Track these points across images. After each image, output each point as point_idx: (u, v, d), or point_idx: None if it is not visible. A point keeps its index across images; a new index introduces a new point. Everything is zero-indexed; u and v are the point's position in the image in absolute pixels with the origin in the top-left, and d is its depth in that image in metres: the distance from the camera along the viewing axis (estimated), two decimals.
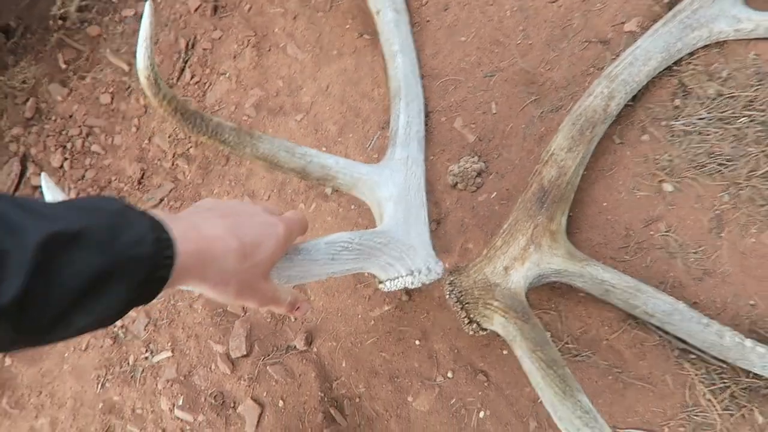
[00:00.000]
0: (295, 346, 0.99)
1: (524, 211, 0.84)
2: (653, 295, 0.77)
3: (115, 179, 1.25)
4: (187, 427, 1.00)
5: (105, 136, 1.30)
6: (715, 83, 0.87)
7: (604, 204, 0.87)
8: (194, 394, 1.02)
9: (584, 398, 0.69)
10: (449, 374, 0.88)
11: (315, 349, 0.98)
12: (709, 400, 0.74)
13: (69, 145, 1.31)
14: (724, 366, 0.75)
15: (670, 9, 0.91)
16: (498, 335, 0.80)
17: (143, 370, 1.07)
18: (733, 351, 0.72)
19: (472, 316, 0.82)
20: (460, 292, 0.83)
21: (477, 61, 1.04)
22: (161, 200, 1.19)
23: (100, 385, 1.09)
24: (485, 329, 0.82)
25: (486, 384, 0.86)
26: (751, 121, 0.83)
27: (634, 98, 0.89)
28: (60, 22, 1.45)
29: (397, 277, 0.84)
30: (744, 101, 0.84)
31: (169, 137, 1.23)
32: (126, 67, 1.34)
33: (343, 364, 0.95)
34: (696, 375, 0.76)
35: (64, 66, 1.40)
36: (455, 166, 0.98)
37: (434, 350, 0.90)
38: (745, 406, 0.72)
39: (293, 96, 1.16)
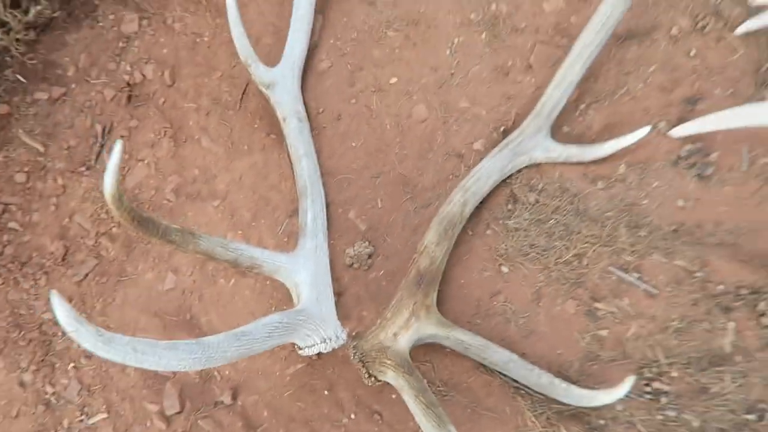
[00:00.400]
0: (222, 401, 1.20)
1: (407, 291, 1.14)
2: (496, 350, 1.09)
3: (37, 255, 1.36)
4: None
5: (22, 213, 1.40)
6: (534, 194, 1.24)
7: (462, 282, 1.20)
8: None
9: (452, 428, 0.99)
10: (352, 416, 1.15)
11: (240, 403, 1.20)
12: (533, 421, 1.08)
13: None
14: (543, 397, 1.10)
15: (504, 137, 1.27)
16: (389, 384, 1.08)
17: None
18: (548, 387, 1.07)
19: (371, 371, 1.09)
20: (361, 353, 1.10)
21: (365, 165, 1.33)
22: (86, 275, 1.33)
23: None
24: (380, 381, 1.10)
25: (380, 422, 1.14)
26: (556, 222, 1.20)
27: (481, 203, 1.23)
28: None
29: (314, 345, 1.10)
30: (552, 207, 1.21)
31: (90, 216, 1.38)
32: (41, 148, 1.45)
33: (265, 414, 1.18)
34: (525, 405, 1.10)
35: None
36: (351, 250, 1.26)
37: (339, 398, 1.17)
38: (555, 425, 1.07)
39: (209, 184, 1.37)
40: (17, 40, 1.53)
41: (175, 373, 1.23)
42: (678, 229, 1.16)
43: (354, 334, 1.16)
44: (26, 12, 1.54)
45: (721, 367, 1.05)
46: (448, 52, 1.39)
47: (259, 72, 1.34)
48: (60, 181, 1.42)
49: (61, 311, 0.82)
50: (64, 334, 1.29)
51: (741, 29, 1.26)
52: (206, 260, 1.30)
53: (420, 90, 1.37)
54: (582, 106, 1.29)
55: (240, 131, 1.40)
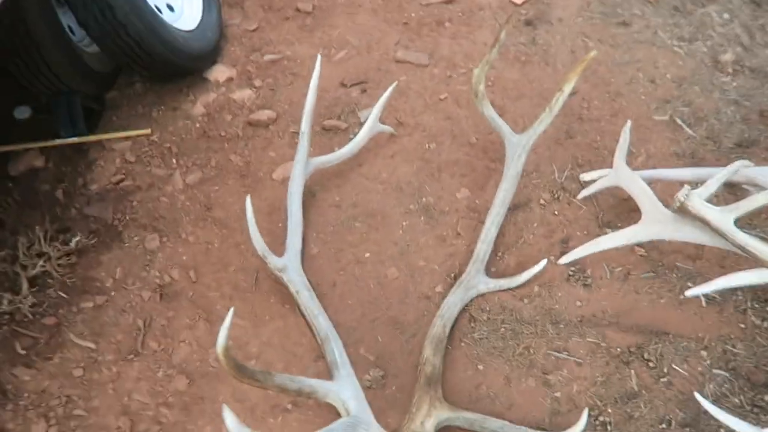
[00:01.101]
0: None
1: (422, 391, 1.58)
2: (492, 421, 1.53)
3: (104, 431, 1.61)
4: None
5: (84, 401, 1.66)
6: (485, 313, 1.79)
7: (455, 380, 1.67)
8: None
9: None
10: None
11: None
12: None
13: (51, 414, 1.63)
14: None
15: (455, 280, 1.84)
16: None
17: None
18: None
19: None
20: None
21: (362, 314, 1.81)
22: None
23: None
24: None
25: None
26: (506, 329, 1.75)
27: (452, 326, 1.75)
28: (7, 316, 1.82)
29: None
30: (500, 320, 1.77)
31: (147, 392, 1.68)
32: (92, 345, 1.76)
33: None
34: None
35: (23, 352, 1.75)
36: (367, 375, 1.69)
37: None
38: None
39: (243, 349, 1.76)
40: (59, 265, 1.90)
41: None
42: (582, 320, 1.75)
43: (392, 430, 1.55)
44: (66, 243, 1.94)
45: (635, 399, 1.59)
46: (401, 231, 2.00)
47: (273, 261, 1.83)
48: (114, 369, 1.72)
49: (230, 420, 1.19)
50: None
51: (580, 196, 2.02)
52: (255, 406, 1.65)
53: (388, 258, 1.93)
54: (500, 254, 1.92)
55: (260, 307, 1.84)
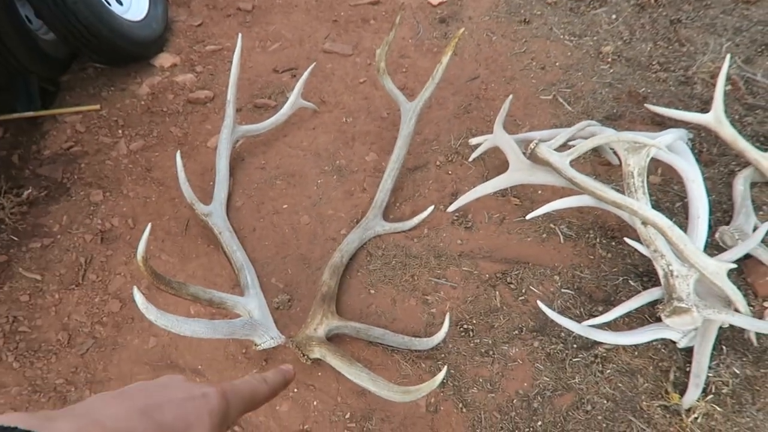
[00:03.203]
0: None
1: (317, 306, 1.88)
2: (375, 330, 1.84)
3: (45, 344, 1.87)
4: None
5: (28, 321, 1.93)
6: (380, 250, 2.10)
7: (348, 303, 1.97)
8: None
9: (358, 364, 1.69)
10: (295, 390, 1.78)
11: None
12: (405, 365, 1.81)
13: None
14: (407, 350, 1.84)
15: (356, 223, 2.15)
16: (318, 361, 1.76)
17: None
18: (408, 344, 1.82)
19: (304, 352, 1.77)
20: (297, 343, 1.78)
21: (276, 252, 2.11)
22: (87, 350, 1.87)
23: None
24: (312, 358, 1.77)
25: (314, 389, 1.79)
26: (396, 262, 2.06)
27: (352, 258, 2.05)
28: None
29: (266, 341, 1.77)
30: (392, 255, 2.08)
31: (85, 313, 1.95)
32: (38, 277, 2.03)
33: None
34: (399, 357, 1.83)
35: None
36: (276, 299, 1.98)
37: None
38: (417, 363, 1.81)
39: None
40: (11, 213, 2.17)
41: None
42: (461, 254, 2.07)
43: (290, 336, 1.84)
44: (19, 195, 2.22)
45: (496, 313, 1.91)
46: (315, 187, 2.31)
47: (200, 207, 2.12)
48: (57, 296, 1.99)
49: (139, 298, 1.47)
50: (75, 388, 1.79)
51: (470, 158, 2.35)
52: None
53: (302, 209, 2.24)
54: (397, 204, 2.25)
55: (188, 247, 2.13)
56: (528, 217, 1.87)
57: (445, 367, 1.51)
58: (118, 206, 2.25)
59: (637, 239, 1.79)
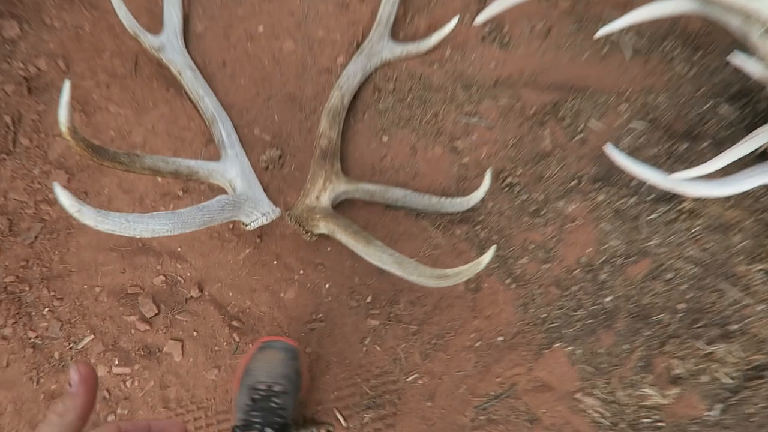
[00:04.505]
0: (191, 296, 1.43)
1: (317, 166, 1.46)
2: (394, 190, 1.44)
3: None
4: (128, 377, 1.36)
5: None
6: (390, 83, 1.62)
7: (356, 156, 1.54)
8: (125, 353, 1.38)
9: (378, 242, 1.32)
10: (300, 271, 1.44)
11: (207, 293, 1.44)
12: (435, 232, 1.45)
13: None
14: (437, 214, 1.47)
15: (357, 48, 1.64)
16: (325, 236, 1.39)
17: (72, 357, 1.38)
18: (437, 205, 1.44)
19: (306, 228, 1.39)
20: (296, 217, 1.40)
21: (256, 93, 1.63)
22: (36, 237, 1.49)
23: (35, 383, 1.36)
24: (316, 234, 1.40)
25: (324, 268, 1.44)
26: (413, 98, 1.59)
27: (355, 96, 1.58)
28: None
29: (256, 219, 1.38)
30: (407, 89, 1.60)
31: (24, 190, 1.54)
32: None
33: (230, 294, 1.43)
34: (426, 223, 1.46)
35: None
36: (264, 156, 1.55)
37: (287, 262, 1.45)
38: (449, 229, 1.45)
39: (126, 139, 1.59)
40: None
41: (143, 288, 1.44)
42: (496, 82, 1.59)
43: (287, 208, 1.45)
44: None
45: (547, 159, 1.49)
46: (298, 0, 1.74)
47: (148, 39, 1.59)
48: None
49: (64, 198, 1.04)
50: (30, 287, 1.45)
51: None
52: (143, 197, 1.53)
53: (284, 31, 1.70)
54: (409, 17, 1.70)
55: (141, 93, 1.64)
56: (598, 34, 1.35)
57: (493, 247, 1.14)
58: (41, 42, 1.71)
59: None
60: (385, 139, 1.56)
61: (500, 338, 1.37)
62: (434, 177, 1.51)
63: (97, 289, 1.45)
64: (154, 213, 1.14)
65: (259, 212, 1.38)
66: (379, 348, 1.39)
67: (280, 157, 1.56)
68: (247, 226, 1.38)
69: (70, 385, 0.52)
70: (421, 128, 1.56)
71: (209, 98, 1.56)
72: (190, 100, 1.59)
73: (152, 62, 1.66)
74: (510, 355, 1.36)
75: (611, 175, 1.45)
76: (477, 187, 1.45)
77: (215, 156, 1.55)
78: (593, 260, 1.38)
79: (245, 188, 1.42)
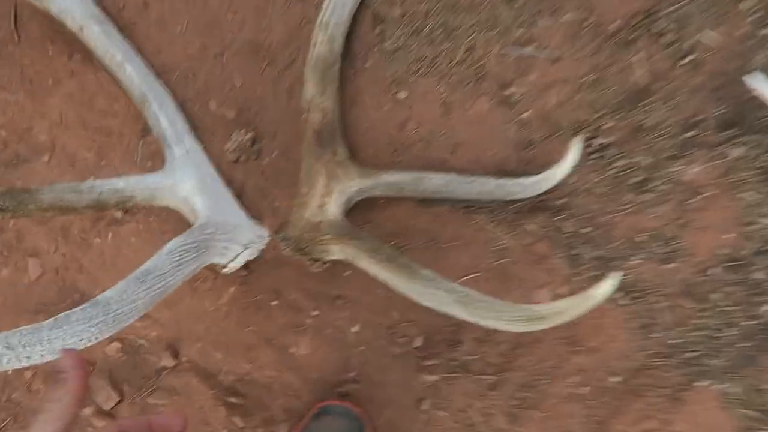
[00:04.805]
0: (163, 366, 1.00)
1: (311, 156, 0.98)
2: (430, 177, 0.98)
3: None
4: None
5: None
6: (397, 7, 1.09)
7: (365, 126, 1.06)
8: None
9: (427, 271, 0.88)
10: (313, 312, 1.01)
11: (185, 358, 1.01)
12: (495, 231, 1.01)
13: None
14: (497, 204, 1.02)
15: None
16: (340, 261, 0.95)
17: None
18: (496, 191, 0.98)
19: (313, 256, 0.94)
20: (294, 242, 0.94)
21: (201, 46, 1.10)
22: None
23: None
24: (327, 261, 0.96)
25: (346, 303, 1.01)
26: (433, 26, 1.07)
27: (348, 36, 1.07)
28: None
29: (237, 255, 0.93)
30: (422, 13, 1.08)
31: None
32: None
33: (219, 356, 1.01)
34: (482, 219, 1.01)
35: None
36: (229, 144, 1.06)
37: (292, 301, 1.02)
38: (519, 224, 1.00)
39: (25, 140, 1.08)
40: None
41: (92, 363, 1.01)
42: None
43: (277, 227, 0.99)
44: None
45: (646, 99, 1.02)
46: None
47: None
48: None
49: None
50: None
51: None
52: (67, 228, 1.05)
53: None
54: None
55: (34, 66, 1.11)
56: None
57: (616, 275, 0.72)
58: None
59: None
60: (401, 95, 1.06)
61: (616, 379, 0.98)
62: (483, 146, 1.04)
63: (28, 375, 1.02)
64: (61, 316, 0.68)
65: (239, 244, 0.92)
66: (444, 413, 1.00)
67: (253, 141, 1.07)
68: (225, 268, 0.93)
69: (60, 372, 0.48)
70: (452, 73, 1.05)
71: (132, 64, 1.04)
72: (106, 69, 1.07)
73: (40, 15, 1.10)
74: (634, 404, 0.97)
75: (748, 115, 0.98)
76: (548, 154, 0.99)
77: (160, 154, 1.06)
78: (738, 250, 0.95)
79: (210, 207, 0.94)
